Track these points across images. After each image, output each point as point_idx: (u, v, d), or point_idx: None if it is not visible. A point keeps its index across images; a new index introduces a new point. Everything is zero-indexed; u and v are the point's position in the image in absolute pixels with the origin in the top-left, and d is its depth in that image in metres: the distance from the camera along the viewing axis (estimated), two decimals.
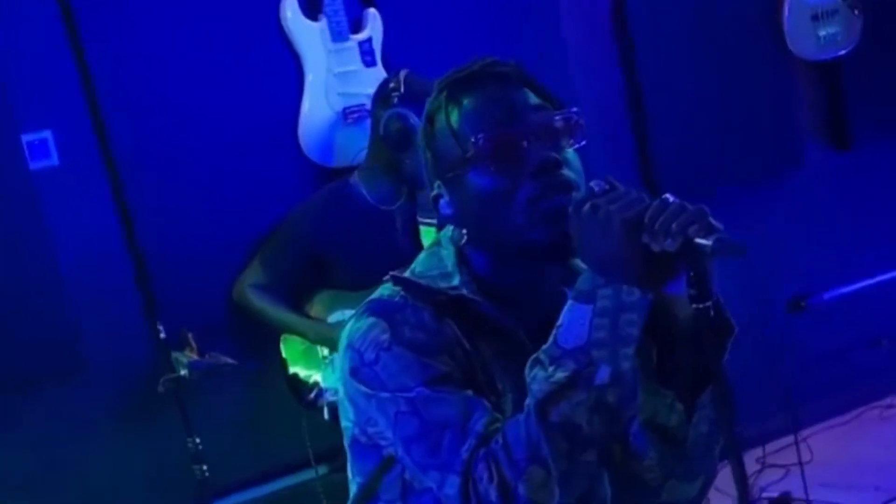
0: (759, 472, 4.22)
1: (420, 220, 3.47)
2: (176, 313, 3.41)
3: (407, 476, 1.63)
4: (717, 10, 4.33)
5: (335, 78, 3.62)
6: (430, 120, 1.67)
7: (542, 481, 1.44)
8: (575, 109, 1.62)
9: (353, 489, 1.73)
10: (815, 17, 4.41)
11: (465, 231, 1.65)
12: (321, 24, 3.63)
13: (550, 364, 1.47)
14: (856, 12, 4.40)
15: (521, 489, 1.44)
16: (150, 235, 3.45)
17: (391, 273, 1.69)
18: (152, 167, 3.51)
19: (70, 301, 3.39)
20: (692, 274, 1.44)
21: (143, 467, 3.49)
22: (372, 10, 3.74)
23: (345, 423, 1.71)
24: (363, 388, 1.60)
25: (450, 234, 1.70)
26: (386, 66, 3.71)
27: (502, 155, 1.57)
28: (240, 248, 3.55)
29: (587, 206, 1.48)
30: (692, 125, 4.27)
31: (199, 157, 3.58)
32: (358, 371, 1.60)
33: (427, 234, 3.49)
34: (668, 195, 1.46)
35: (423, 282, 1.65)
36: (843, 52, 4.46)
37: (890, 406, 4.62)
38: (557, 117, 1.61)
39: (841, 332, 4.70)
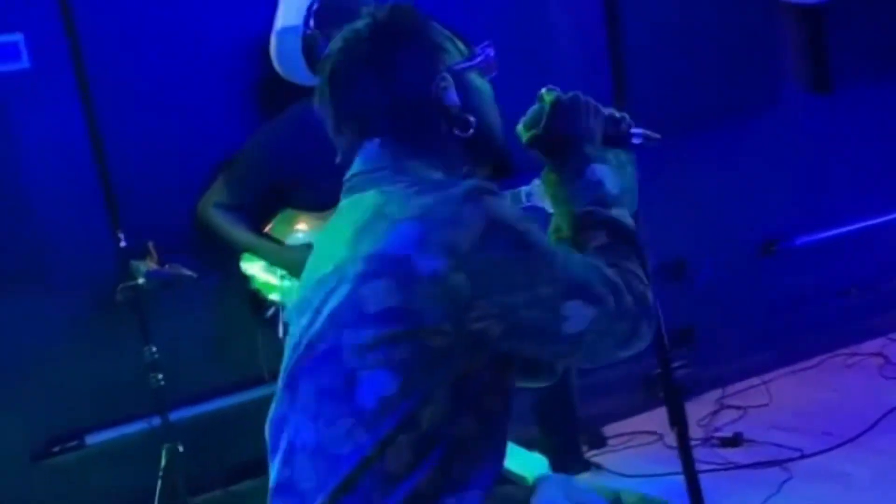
0: (716, 412, 4.27)
1: None
2: (138, 223, 3.41)
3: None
4: None
5: None
6: (418, 28, 1.81)
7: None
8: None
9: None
10: None
11: (472, 118, 1.79)
12: None
13: (615, 204, 1.78)
14: None
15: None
16: (117, 144, 3.44)
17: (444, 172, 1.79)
18: (124, 77, 3.51)
19: (32, 205, 3.41)
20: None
21: (101, 372, 3.52)
22: None
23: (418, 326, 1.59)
24: (533, 251, 1.62)
25: (379, 152, 1.78)
26: None
27: (493, 67, 1.87)
28: (206, 166, 3.56)
29: (578, 96, 1.87)
30: (671, 60, 4.24)
31: (172, 71, 3.57)
32: (524, 238, 1.62)
33: None
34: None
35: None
36: None
37: (853, 354, 4.64)
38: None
39: (811, 279, 4.71)
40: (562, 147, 1.83)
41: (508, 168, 1.89)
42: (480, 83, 1.85)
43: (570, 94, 1.86)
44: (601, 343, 1.65)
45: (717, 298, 4.48)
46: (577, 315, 1.61)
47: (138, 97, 3.54)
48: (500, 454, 1.69)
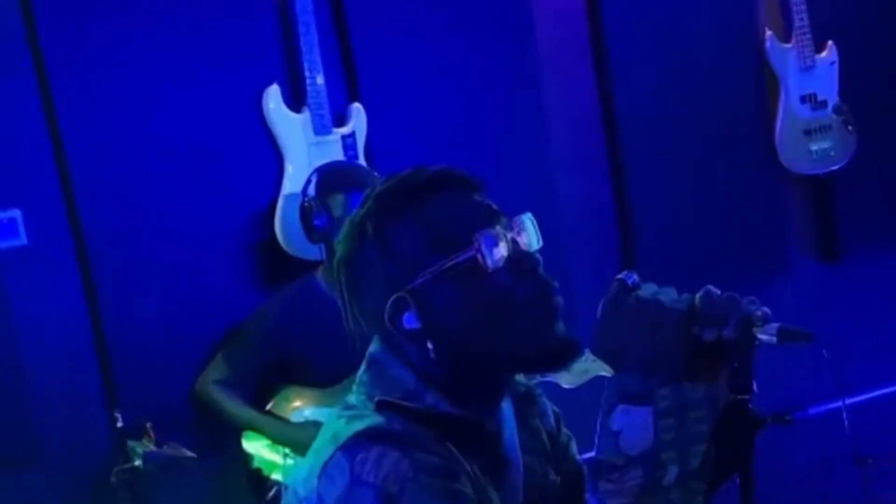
0: None
1: None
2: (136, 402, 3.39)
3: None
4: (709, 123, 4.33)
5: None
6: (381, 230, 1.52)
7: None
8: (529, 214, 1.54)
9: None
10: (807, 132, 4.39)
11: (430, 345, 1.48)
12: (304, 116, 3.62)
13: (616, 472, 1.38)
14: (850, 128, 4.34)
15: None
16: (116, 322, 3.45)
17: (378, 398, 1.51)
18: (123, 254, 3.50)
19: (29, 384, 3.37)
20: (737, 364, 1.39)
21: None
22: (356, 105, 3.73)
23: None
24: None
25: (378, 350, 1.55)
26: (369, 161, 3.69)
27: (499, 254, 1.47)
28: (205, 341, 3.50)
29: (632, 299, 1.39)
30: (678, 228, 4.25)
31: (172, 247, 3.55)
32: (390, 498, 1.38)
33: None
34: (710, 287, 1.39)
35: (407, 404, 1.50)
36: (836, 167, 4.43)
37: None
38: (529, 218, 1.53)
39: (826, 448, 4.61)
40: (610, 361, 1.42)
41: (548, 360, 1.50)
42: (473, 284, 1.47)
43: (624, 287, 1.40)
44: None
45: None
46: None
47: (138, 275, 3.51)
48: None
